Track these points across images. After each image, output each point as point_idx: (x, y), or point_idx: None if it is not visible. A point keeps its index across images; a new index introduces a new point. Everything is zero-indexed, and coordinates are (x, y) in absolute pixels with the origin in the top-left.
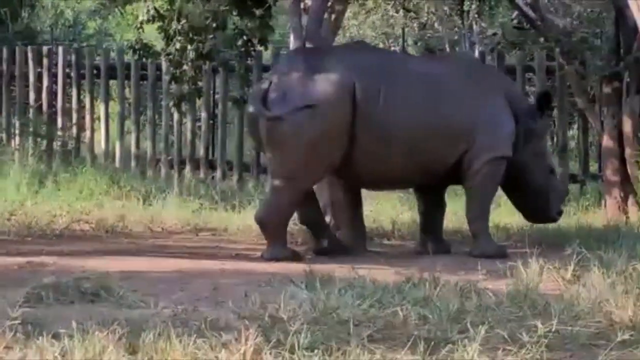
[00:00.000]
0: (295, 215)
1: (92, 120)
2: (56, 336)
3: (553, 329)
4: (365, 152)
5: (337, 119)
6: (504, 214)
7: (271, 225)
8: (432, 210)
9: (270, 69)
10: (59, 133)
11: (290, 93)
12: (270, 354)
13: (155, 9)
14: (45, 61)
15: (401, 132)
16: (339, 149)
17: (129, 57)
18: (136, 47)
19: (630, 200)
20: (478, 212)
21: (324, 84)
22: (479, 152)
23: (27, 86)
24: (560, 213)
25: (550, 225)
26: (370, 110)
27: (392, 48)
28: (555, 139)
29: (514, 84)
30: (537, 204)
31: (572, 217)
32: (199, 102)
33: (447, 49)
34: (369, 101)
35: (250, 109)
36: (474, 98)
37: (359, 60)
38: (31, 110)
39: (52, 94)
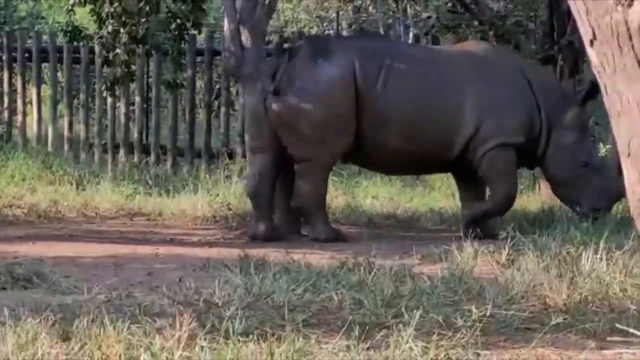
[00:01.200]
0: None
1: (24, 104)
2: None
3: (487, 313)
4: (369, 135)
5: (340, 101)
6: (439, 197)
7: (307, 208)
8: (468, 196)
9: (204, 53)
10: None
11: (299, 77)
12: (205, 339)
13: None
14: None
15: (398, 117)
16: (347, 130)
17: (61, 41)
18: (68, 30)
19: None
20: (491, 204)
21: (328, 68)
22: (483, 139)
23: None
24: (597, 210)
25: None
26: (369, 94)
27: (326, 32)
28: None
29: (547, 73)
30: (566, 196)
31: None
32: (132, 86)
33: (382, 32)
34: (367, 85)
35: (259, 95)
36: (480, 85)
37: (360, 45)
38: None
39: None
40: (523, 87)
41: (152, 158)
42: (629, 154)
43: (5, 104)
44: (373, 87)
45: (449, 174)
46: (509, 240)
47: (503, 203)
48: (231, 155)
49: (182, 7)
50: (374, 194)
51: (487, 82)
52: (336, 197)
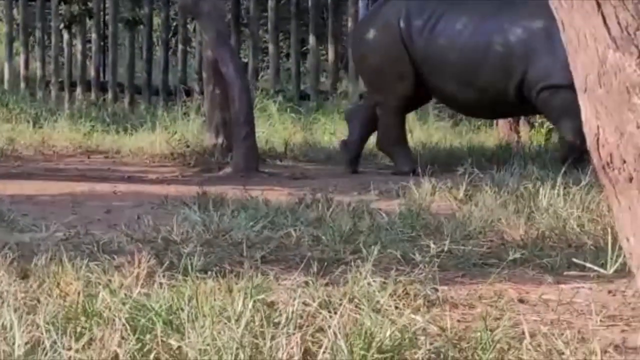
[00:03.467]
0: None
1: None
2: None
3: (445, 249)
4: (429, 81)
5: (390, 48)
6: None
7: (385, 147)
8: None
9: None
10: None
11: (359, 26)
12: (164, 276)
13: None
14: None
15: (447, 61)
16: (404, 76)
17: None
18: None
19: (522, 120)
20: (566, 147)
21: (378, 19)
22: (532, 82)
23: None
24: None
25: (442, 145)
26: (417, 41)
27: None
28: None
29: None
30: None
31: (464, 136)
32: (89, 23)
33: None
34: (414, 32)
35: None
36: (523, 23)
37: None
38: None
39: None
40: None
41: (109, 96)
42: (585, 89)
43: None
44: (420, 33)
45: None
46: (466, 176)
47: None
48: (189, 93)
49: None
50: (332, 130)
51: (529, 17)
52: (294, 133)
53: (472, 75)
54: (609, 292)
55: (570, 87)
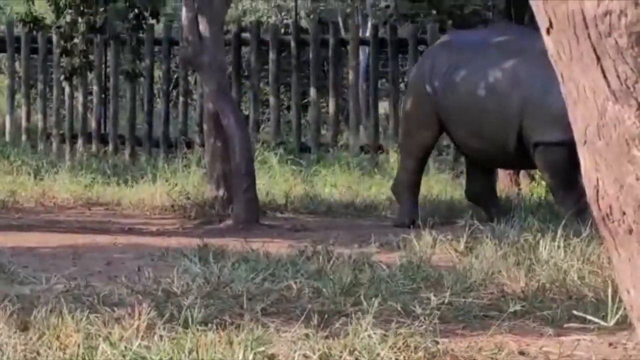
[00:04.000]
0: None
1: None
2: None
3: (446, 301)
4: (449, 132)
5: (418, 98)
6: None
7: (395, 190)
8: None
9: (162, 43)
10: None
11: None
12: (164, 328)
13: None
14: None
15: (457, 114)
16: (428, 126)
17: (19, 30)
18: (26, 19)
19: (522, 172)
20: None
21: (415, 68)
22: (528, 137)
23: None
24: None
25: (443, 197)
26: (437, 91)
27: (285, 21)
28: None
29: None
30: None
31: (464, 188)
32: (90, 76)
33: (340, 22)
34: (435, 81)
35: None
36: (522, 73)
37: (447, 39)
38: None
39: None
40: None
41: (110, 148)
42: (585, 142)
43: None
44: (440, 82)
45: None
46: (467, 228)
47: (567, 204)
48: (189, 145)
49: None
50: (333, 182)
51: (528, 67)
52: (295, 185)
53: (477, 125)
54: (610, 344)
55: (564, 144)
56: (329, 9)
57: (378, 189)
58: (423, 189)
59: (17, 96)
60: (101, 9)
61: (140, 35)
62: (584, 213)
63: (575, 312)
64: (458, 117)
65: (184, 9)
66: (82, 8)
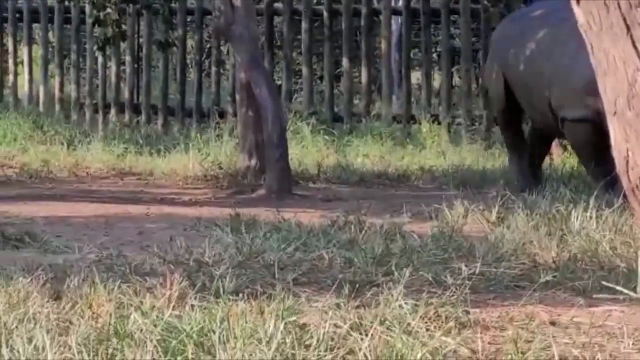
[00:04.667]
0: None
1: (15, 64)
2: None
3: (477, 271)
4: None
5: (491, 73)
6: (429, 156)
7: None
8: None
9: (194, 12)
10: None
11: None
12: (195, 298)
13: None
14: None
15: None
16: (501, 100)
17: (52, 1)
18: None
19: (555, 142)
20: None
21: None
22: (556, 112)
23: None
24: None
25: (476, 168)
26: (504, 65)
27: None
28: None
29: None
30: None
31: (497, 159)
32: (123, 45)
33: None
34: (504, 55)
35: None
36: (554, 46)
37: (516, 14)
38: None
39: None
40: None
41: (143, 117)
42: (615, 113)
43: None
44: (506, 57)
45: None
46: (499, 198)
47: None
48: (222, 115)
49: None
50: (365, 152)
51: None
52: (327, 155)
53: (528, 98)
54: (633, 313)
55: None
56: None
57: (410, 159)
58: (455, 159)
59: (51, 66)
60: None
61: (173, 5)
62: (615, 185)
63: (606, 283)
64: (517, 89)
65: None
66: None
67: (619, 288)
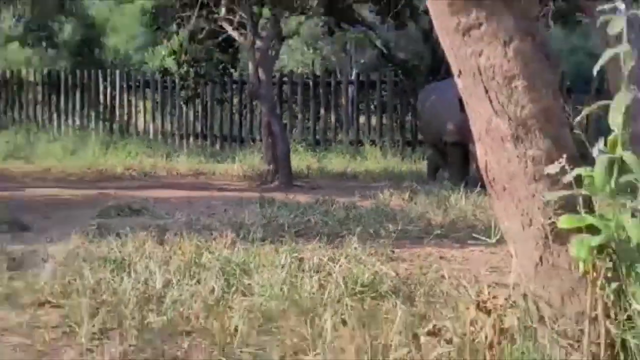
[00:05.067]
0: None
1: (136, 111)
2: (117, 235)
3: (398, 228)
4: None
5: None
6: (371, 164)
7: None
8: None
9: (238, 82)
10: (117, 119)
11: None
12: (240, 243)
13: (172, 48)
14: (109, 78)
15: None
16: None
17: (157, 76)
18: (161, 70)
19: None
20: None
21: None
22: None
23: (98, 94)
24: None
25: (396, 170)
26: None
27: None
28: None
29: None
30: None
31: (407, 165)
32: (197, 101)
33: (337, 70)
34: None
35: None
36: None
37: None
38: (102, 108)
39: (112, 98)
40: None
41: (208, 142)
42: (479, 139)
43: (125, 111)
44: (423, 110)
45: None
46: (410, 187)
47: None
48: (253, 140)
49: (225, 56)
50: (334, 162)
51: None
52: (312, 163)
53: (431, 131)
54: (492, 253)
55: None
56: (331, 62)
57: (359, 165)
58: (383, 165)
59: (156, 112)
60: (203, 64)
61: (225, 79)
62: (468, 182)
63: (473, 234)
64: (425, 126)
65: (250, 63)
66: (192, 63)
67: (480, 237)
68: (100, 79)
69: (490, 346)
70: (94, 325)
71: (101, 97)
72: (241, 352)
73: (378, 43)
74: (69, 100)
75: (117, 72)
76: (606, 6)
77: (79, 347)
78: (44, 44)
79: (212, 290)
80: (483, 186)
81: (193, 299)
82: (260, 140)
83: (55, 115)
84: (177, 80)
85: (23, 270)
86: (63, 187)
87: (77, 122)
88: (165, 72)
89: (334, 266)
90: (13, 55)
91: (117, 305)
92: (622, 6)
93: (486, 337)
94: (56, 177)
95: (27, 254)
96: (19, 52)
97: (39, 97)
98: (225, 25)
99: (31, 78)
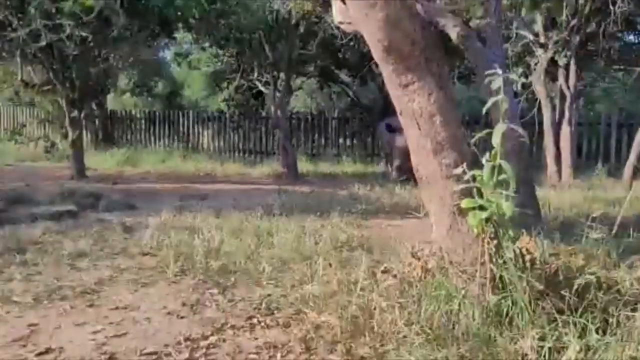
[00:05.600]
0: None
1: (202, 136)
2: (191, 212)
3: (363, 207)
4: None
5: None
6: (346, 168)
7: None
8: None
9: (263, 119)
10: (190, 141)
11: None
12: (267, 217)
13: (224, 97)
14: (186, 116)
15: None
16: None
17: (215, 114)
18: (218, 110)
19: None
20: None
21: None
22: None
23: (179, 125)
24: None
25: (364, 171)
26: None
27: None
28: None
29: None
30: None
31: (372, 168)
32: (240, 130)
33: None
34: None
35: None
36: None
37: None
38: (181, 134)
39: (187, 128)
40: None
41: (246, 154)
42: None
43: (196, 136)
44: (381, 136)
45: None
46: (370, 182)
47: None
48: (274, 153)
49: (257, 102)
50: (323, 167)
51: None
52: (310, 167)
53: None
54: (420, 223)
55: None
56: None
57: (340, 169)
58: (354, 169)
59: (214, 137)
60: (243, 106)
61: (257, 116)
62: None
63: (409, 211)
64: (380, 144)
65: (272, 107)
66: (236, 106)
67: (413, 213)
68: (180, 116)
69: (420, 279)
70: (176, 267)
71: (181, 127)
72: (267, 283)
73: (350, 93)
74: (161, 129)
75: (191, 112)
76: (491, 71)
77: (167, 280)
78: (145, 94)
79: (249, 245)
80: (404, 179)
81: (237, 251)
82: (279, 153)
83: (152, 138)
84: (227, 117)
85: (133, 233)
86: (157, 183)
87: (166, 142)
88: (220, 112)
89: (324, 231)
90: (126, 101)
91: (190, 255)
92: (499, 71)
93: (417, 274)
94: (153, 177)
95: (135, 223)
96: (129, 100)
97: (142, 127)
98: (257, 83)
99: (137, 115)
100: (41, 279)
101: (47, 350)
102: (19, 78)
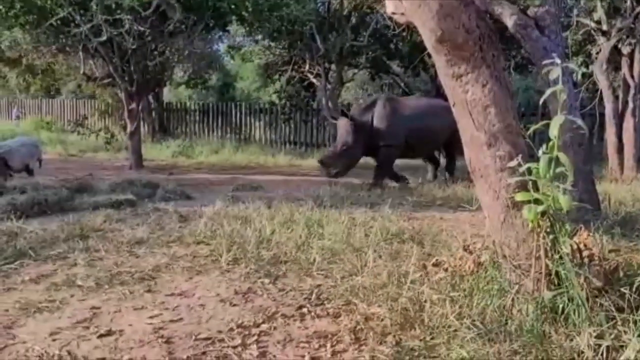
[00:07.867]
0: None
1: (254, 128)
2: (243, 202)
3: (414, 200)
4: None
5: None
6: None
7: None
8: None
9: (314, 110)
10: (243, 132)
11: None
12: (316, 208)
13: (276, 89)
14: (238, 107)
15: None
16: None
17: (267, 106)
18: (269, 102)
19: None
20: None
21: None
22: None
23: (232, 117)
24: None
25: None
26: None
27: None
28: None
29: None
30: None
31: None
32: (291, 122)
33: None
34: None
35: None
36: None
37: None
38: (234, 125)
39: (240, 119)
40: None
41: (297, 146)
42: (467, 144)
43: (248, 127)
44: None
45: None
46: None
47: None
48: (325, 145)
49: (308, 94)
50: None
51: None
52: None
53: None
54: (473, 216)
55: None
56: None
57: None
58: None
59: (266, 128)
60: (294, 98)
61: (308, 108)
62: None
63: (461, 204)
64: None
65: (322, 98)
66: (288, 98)
67: (466, 207)
68: (233, 108)
69: (472, 273)
70: (229, 256)
71: (233, 119)
72: (317, 273)
73: (402, 85)
74: (214, 121)
75: (243, 104)
76: (549, 60)
77: (220, 268)
78: (199, 87)
79: (300, 236)
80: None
81: (288, 241)
82: (329, 145)
83: (206, 130)
84: (279, 109)
85: (188, 223)
86: (210, 173)
87: (219, 134)
88: (272, 104)
89: (374, 222)
90: (181, 93)
91: (243, 244)
92: (558, 60)
93: (469, 268)
94: (206, 167)
95: (190, 213)
96: (184, 92)
97: (197, 119)
98: (308, 75)
99: (192, 107)
100: (102, 264)
101: (108, 333)
102: (81, 72)
